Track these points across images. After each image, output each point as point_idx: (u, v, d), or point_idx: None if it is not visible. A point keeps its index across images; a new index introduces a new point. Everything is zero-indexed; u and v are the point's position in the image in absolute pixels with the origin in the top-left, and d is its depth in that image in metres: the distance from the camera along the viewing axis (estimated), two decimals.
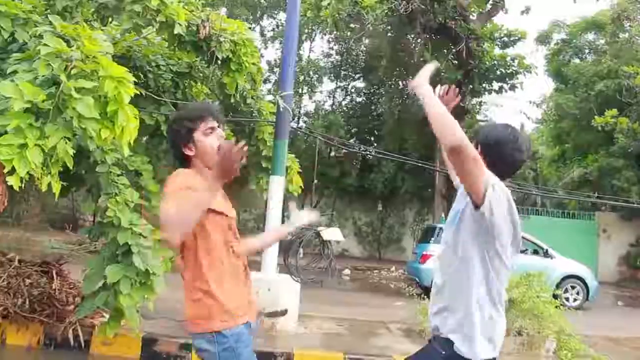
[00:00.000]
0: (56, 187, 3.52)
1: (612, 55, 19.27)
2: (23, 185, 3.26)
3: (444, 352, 2.27)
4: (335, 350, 5.50)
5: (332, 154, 22.50)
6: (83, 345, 5.17)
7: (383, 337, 6.36)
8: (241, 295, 2.38)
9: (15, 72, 3.61)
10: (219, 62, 6.12)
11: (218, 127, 2.41)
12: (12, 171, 3.21)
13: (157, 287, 4.59)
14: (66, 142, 3.43)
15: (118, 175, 4.78)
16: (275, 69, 21.19)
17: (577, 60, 22.35)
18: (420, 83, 2.43)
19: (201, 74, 7.01)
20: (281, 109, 6.61)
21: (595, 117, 17.04)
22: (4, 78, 3.68)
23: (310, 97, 23.26)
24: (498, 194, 2.23)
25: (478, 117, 21.35)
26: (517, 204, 2.72)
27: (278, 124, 6.63)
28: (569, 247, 14.93)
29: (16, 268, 5.58)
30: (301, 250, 13.17)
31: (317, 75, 22.97)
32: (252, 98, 7.13)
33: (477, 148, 2.36)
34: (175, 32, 5.23)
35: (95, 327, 5.24)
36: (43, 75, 3.45)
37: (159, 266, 4.63)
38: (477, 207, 2.22)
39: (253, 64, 6.58)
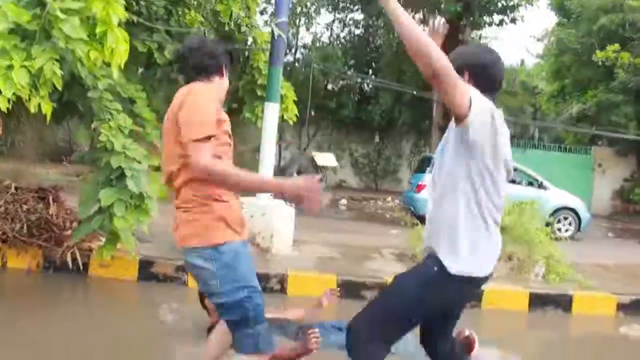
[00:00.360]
0: (46, 109, 3.51)
1: None
2: (10, 107, 3.26)
3: (435, 269, 2.32)
4: (329, 272, 5.65)
5: (330, 86, 22.31)
6: (81, 268, 5.28)
7: (376, 261, 6.51)
8: (238, 211, 2.44)
9: None
10: None
11: None
12: None
13: (151, 210, 4.66)
14: (53, 64, 3.40)
15: (110, 101, 4.75)
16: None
17: None
18: None
19: (195, 2, 6.90)
20: (276, 37, 6.51)
21: (597, 51, 16.79)
22: None
23: (308, 29, 22.78)
24: (482, 112, 2.22)
25: None
26: (514, 138, 2.77)
27: (273, 51, 6.55)
28: (565, 180, 15.05)
29: (13, 195, 5.64)
30: (295, 175, 13.32)
31: (314, 7, 22.46)
32: (246, 26, 7.05)
33: (462, 71, 2.35)
34: None
35: (92, 250, 5.34)
36: None
37: (153, 190, 4.69)
38: (460, 122, 2.23)
39: None
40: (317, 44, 22.18)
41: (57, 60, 3.42)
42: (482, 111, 2.22)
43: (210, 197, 2.31)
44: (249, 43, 7.48)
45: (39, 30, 3.34)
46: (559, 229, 11.75)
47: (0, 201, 5.50)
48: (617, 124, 18.05)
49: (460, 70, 2.27)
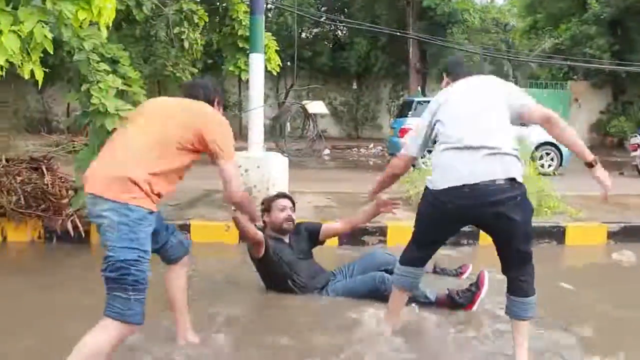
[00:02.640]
0: (39, 74, 3.41)
1: None
2: (4, 74, 3.17)
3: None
4: (328, 220, 5.68)
5: (304, 34, 22.00)
6: (83, 235, 5.27)
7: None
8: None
9: None
10: None
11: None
12: None
13: None
14: (43, 27, 3.29)
15: (98, 62, 4.64)
16: None
17: None
18: None
19: None
20: None
21: None
22: None
23: None
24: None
25: None
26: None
27: (253, 1, 6.40)
28: None
29: (5, 167, 5.54)
30: (288, 124, 13.19)
31: None
32: None
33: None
34: None
35: None
36: None
37: None
38: None
39: None
40: None
41: (45, 22, 3.31)
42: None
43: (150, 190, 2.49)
44: None
45: None
46: (542, 165, 11.91)
47: None
48: (591, 57, 18.17)
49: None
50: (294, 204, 4.08)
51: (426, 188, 2.89)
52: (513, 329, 2.88)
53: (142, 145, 2.54)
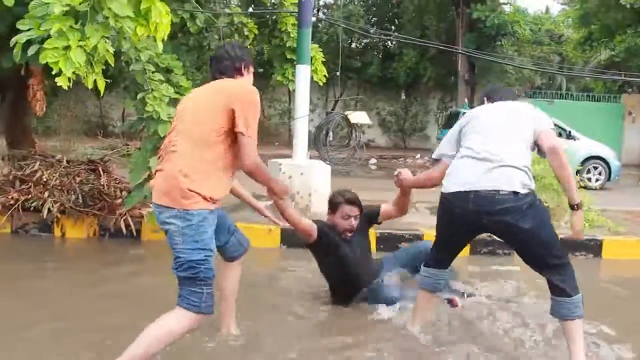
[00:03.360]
0: (101, 85, 3.75)
1: None
2: (70, 84, 3.51)
3: None
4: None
5: (353, 44, 22.26)
6: (135, 233, 5.62)
7: (411, 215, 6.67)
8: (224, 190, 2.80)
9: None
10: None
11: None
12: (59, 73, 3.46)
13: None
14: (105, 42, 3.63)
15: (153, 72, 4.99)
16: None
17: None
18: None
19: None
20: (304, 0, 6.64)
21: None
22: None
23: None
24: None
25: (501, 0, 20.71)
26: (542, 89, 3.29)
27: (301, 13, 6.68)
28: (595, 130, 14.93)
29: (66, 168, 5.97)
30: (331, 133, 13.46)
31: None
32: None
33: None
34: None
35: (144, 216, 5.65)
36: None
37: None
38: None
39: None
40: (339, 3, 22.06)
41: (107, 38, 3.64)
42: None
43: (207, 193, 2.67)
44: (276, 6, 7.63)
45: (89, 10, 3.56)
46: (589, 179, 11.80)
47: (55, 174, 5.83)
48: None
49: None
50: (361, 209, 3.92)
51: (441, 192, 3.11)
52: (564, 331, 2.97)
53: (186, 151, 2.69)
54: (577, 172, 10.01)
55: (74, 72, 3.47)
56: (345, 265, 3.80)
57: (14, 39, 3.65)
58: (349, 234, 3.85)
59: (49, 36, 3.52)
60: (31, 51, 3.58)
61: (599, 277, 5.49)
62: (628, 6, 16.52)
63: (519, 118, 3.12)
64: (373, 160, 16.94)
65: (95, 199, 5.80)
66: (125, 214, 5.64)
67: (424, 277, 3.32)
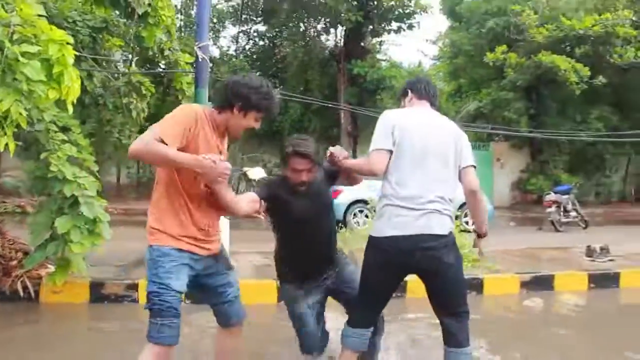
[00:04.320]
0: (12, 147, 3.78)
1: None
2: None
3: None
4: (267, 278, 6.08)
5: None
6: (33, 295, 5.46)
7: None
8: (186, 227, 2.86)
9: None
10: (138, 16, 6.32)
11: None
12: None
13: (104, 233, 4.95)
14: (18, 105, 3.68)
15: (56, 132, 5.01)
16: (177, 15, 20.85)
17: None
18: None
19: (117, 29, 7.14)
20: (200, 59, 6.88)
21: (487, 53, 18.15)
22: None
23: (215, 43, 23.10)
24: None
25: (379, 56, 22.11)
26: None
27: (198, 73, 6.88)
28: None
29: None
30: (231, 189, 13.52)
31: (219, 21, 22.80)
32: (169, 50, 7.37)
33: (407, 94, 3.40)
34: None
35: (42, 278, 5.52)
36: None
37: (104, 213, 4.98)
38: None
39: (169, 17, 6.82)
40: (225, 57, 22.51)
41: (20, 101, 3.69)
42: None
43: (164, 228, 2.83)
44: (171, 65, 7.80)
45: (1, 74, 3.61)
46: (467, 222, 12.70)
47: None
48: (510, 120, 19.50)
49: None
50: (313, 161, 3.30)
51: (372, 235, 3.14)
52: None
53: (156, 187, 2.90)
54: (457, 217, 10.80)
55: None
56: (297, 221, 3.36)
57: None
58: (302, 188, 3.32)
59: None
60: None
61: (483, 311, 6.04)
62: (491, 64, 18.19)
63: (447, 148, 3.16)
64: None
65: None
66: (22, 275, 5.49)
67: (351, 337, 3.25)
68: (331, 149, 3.39)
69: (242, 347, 3.30)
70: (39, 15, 4.05)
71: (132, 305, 5.58)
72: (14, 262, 5.63)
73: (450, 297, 3.16)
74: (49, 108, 4.98)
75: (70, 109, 4.11)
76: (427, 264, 3.07)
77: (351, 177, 3.59)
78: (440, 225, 3.07)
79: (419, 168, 3.08)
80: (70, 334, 4.75)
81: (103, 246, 5.24)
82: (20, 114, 3.68)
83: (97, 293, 5.63)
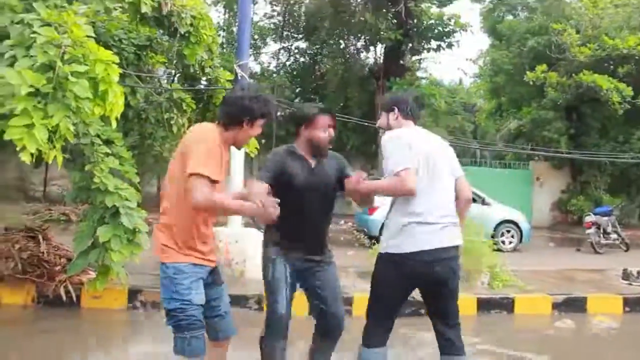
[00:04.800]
0: (59, 160, 4.04)
1: (542, 12, 20.27)
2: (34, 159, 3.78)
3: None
4: (299, 290, 6.21)
5: (279, 113, 22.95)
6: (75, 300, 5.73)
7: (342, 279, 7.10)
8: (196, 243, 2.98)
9: (12, 57, 4.05)
10: (180, 35, 6.60)
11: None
12: (23, 148, 3.72)
13: (143, 243, 5.18)
14: (66, 120, 3.93)
15: (100, 145, 5.28)
16: (220, 32, 21.35)
17: (510, 17, 23.37)
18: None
19: (160, 46, 7.45)
20: (239, 77, 7.14)
21: (527, 72, 18.00)
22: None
23: (255, 59, 23.50)
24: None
25: (418, 73, 22.16)
26: (458, 157, 3.51)
27: None
28: (507, 195, 15.94)
29: (4, 235, 6.04)
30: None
31: (260, 37, 23.22)
32: (209, 67, 7.64)
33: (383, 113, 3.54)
34: (143, 11, 5.66)
35: (83, 284, 5.78)
36: (40, 62, 3.92)
37: (143, 224, 5.22)
38: None
39: (210, 36, 7.07)
40: (265, 74, 22.86)
41: (68, 116, 3.95)
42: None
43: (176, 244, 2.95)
44: (211, 82, 8.08)
45: (52, 91, 3.87)
46: (503, 242, 12.62)
47: None
48: (550, 139, 19.29)
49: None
50: (335, 122, 3.51)
51: (388, 252, 3.23)
52: None
53: (164, 203, 3.01)
54: (492, 236, 10.79)
55: (37, 149, 3.73)
56: (300, 190, 3.38)
57: None
58: (327, 150, 3.47)
59: (12, 115, 3.80)
60: None
61: (513, 331, 6.06)
62: (531, 82, 18.06)
63: (448, 162, 3.36)
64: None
65: (34, 266, 5.88)
66: (65, 280, 5.75)
67: (369, 357, 3.29)
68: (352, 179, 3.41)
69: None
70: (88, 36, 4.32)
71: None
72: (58, 268, 5.91)
73: (453, 307, 3.35)
74: (94, 122, 5.23)
75: (114, 124, 4.35)
76: (444, 275, 3.23)
77: (369, 199, 3.70)
78: (457, 237, 3.28)
79: (434, 183, 3.23)
80: (108, 338, 4.99)
81: (141, 255, 5.48)
82: (68, 128, 3.92)
83: (135, 300, 5.87)
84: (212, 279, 3.12)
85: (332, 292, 3.57)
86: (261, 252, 3.60)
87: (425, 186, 3.20)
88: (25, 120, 3.74)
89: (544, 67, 17.87)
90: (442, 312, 3.36)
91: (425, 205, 3.19)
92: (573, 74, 17.67)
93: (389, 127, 3.47)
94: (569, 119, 20.09)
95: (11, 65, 4.04)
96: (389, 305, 3.35)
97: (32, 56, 3.95)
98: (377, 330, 3.32)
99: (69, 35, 4.12)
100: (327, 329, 3.58)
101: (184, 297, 2.86)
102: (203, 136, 2.90)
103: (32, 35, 4.03)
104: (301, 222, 3.42)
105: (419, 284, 3.32)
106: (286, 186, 3.33)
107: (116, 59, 4.25)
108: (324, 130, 3.40)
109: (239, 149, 3.23)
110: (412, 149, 3.21)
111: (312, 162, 3.47)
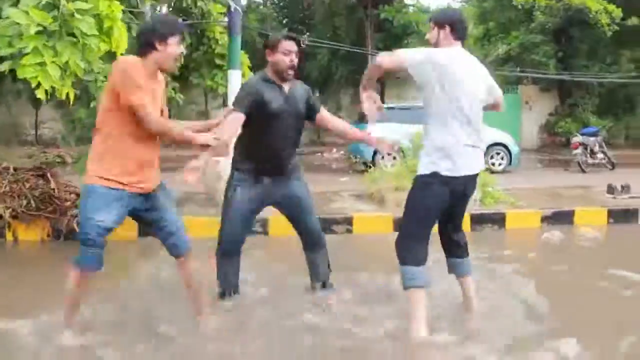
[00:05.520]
0: (72, 96, 4.20)
1: None
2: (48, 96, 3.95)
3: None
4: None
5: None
6: None
7: (338, 202, 7.46)
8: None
9: None
10: None
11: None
12: (37, 86, 3.89)
13: None
14: (75, 57, 4.07)
15: (102, 82, 5.40)
16: None
17: None
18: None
19: None
20: (232, 9, 7.18)
21: None
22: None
23: None
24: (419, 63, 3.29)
25: (406, 0, 21.90)
26: None
27: (231, 22, 7.21)
28: (496, 118, 16.09)
29: (13, 175, 6.23)
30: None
31: None
32: (201, 0, 7.67)
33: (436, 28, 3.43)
34: None
35: None
36: (45, 1, 4.03)
37: None
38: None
39: None
40: (252, 6, 22.56)
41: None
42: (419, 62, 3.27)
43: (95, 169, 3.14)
44: (204, 15, 8.12)
45: (58, 29, 3.99)
46: (493, 164, 12.94)
47: (4, 181, 6.09)
48: (539, 63, 19.36)
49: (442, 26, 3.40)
50: (300, 49, 3.73)
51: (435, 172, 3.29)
52: (466, 285, 3.67)
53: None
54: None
55: (51, 86, 3.89)
56: (271, 115, 3.60)
57: None
58: (291, 74, 3.67)
59: (24, 54, 3.94)
60: (2, 67, 3.98)
61: (504, 245, 6.41)
62: (520, 6, 17.96)
63: (483, 90, 3.46)
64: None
65: (46, 203, 6.11)
66: (77, 215, 5.99)
67: (420, 276, 3.32)
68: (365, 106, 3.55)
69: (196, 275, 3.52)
70: None
71: None
72: (68, 203, 6.14)
73: (462, 215, 3.66)
74: (96, 60, 5.34)
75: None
76: (471, 190, 3.53)
77: (340, 134, 4.13)
78: (482, 158, 3.51)
79: (471, 111, 3.34)
80: (122, 266, 5.26)
81: None
82: (78, 65, 4.07)
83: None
84: (151, 204, 3.30)
85: (305, 202, 3.96)
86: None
87: (466, 113, 3.32)
88: (37, 58, 3.89)
89: None
90: (455, 217, 3.61)
91: (465, 130, 3.32)
92: None
93: (436, 44, 3.45)
94: (558, 42, 20.12)
95: (14, 5, 4.15)
96: (431, 222, 3.44)
97: None
98: (421, 247, 3.34)
99: None
100: (309, 236, 4.03)
101: (87, 215, 3.09)
102: (124, 66, 3.03)
103: None
104: (273, 145, 3.66)
105: (452, 198, 3.44)
106: (261, 111, 3.54)
107: None
108: (285, 54, 3.59)
109: (168, 72, 3.33)
110: (448, 75, 3.25)
111: (285, 88, 3.69)
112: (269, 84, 3.65)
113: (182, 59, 3.53)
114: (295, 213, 3.96)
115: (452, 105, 3.28)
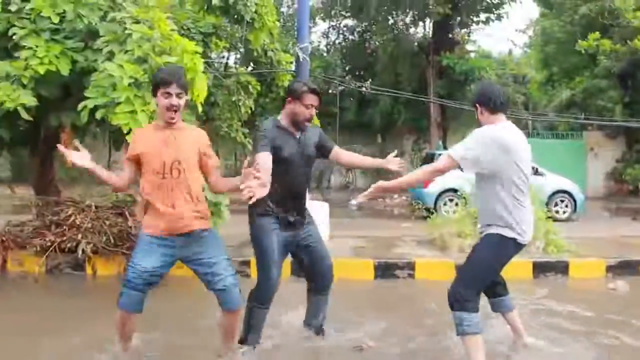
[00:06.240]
0: None
1: None
2: None
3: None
4: (365, 257, 6.73)
5: (330, 90, 23.35)
6: None
7: (401, 247, 7.58)
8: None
9: (109, 52, 4.60)
10: (245, 21, 7.08)
11: (180, 94, 3.29)
12: (129, 132, 4.27)
13: (225, 215, 5.71)
14: None
15: None
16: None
17: None
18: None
19: (225, 33, 7.95)
20: (301, 59, 7.56)
21: (579, 40, 17.72)
22: (95, 55, 4.70)
23: None
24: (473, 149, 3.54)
25: (468, 47, 22.13)
26: None
27: (299, 72, 7.59)
28: (561, 166, 15.90)
29: (95, 212, 6.69)
30: (332, 177, 14.62)
31: (310, 17, 23.50)
32: (271, 51, 8.11)
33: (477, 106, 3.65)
34: (213, 2, 6.15)
35: None
36: (137, 55, 4.45)
37: (225, 198, 5.76)
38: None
39: (272, 21, 7.53)
40: (316, 53, 23.21)
41: None
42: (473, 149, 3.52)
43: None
44: (273, 65, 8.56)
45: (147, 81, 4.39)
46: (557, 212, 12.74)
47: (87, 219, 6.55)
48: (604, 108, 19.03)
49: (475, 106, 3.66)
50: (320, 103, 3.91)
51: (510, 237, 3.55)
52: (511, 319, 3.95)
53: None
54: (546, 205, 10.97)
55: None
56: (285, 160, 3.74)
57: (81, 104, 4.47)
58: (306, 126, 3.84)
59: (113, 102, 4.35)
60: (99, 115, 4.40)
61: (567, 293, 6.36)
62: (583, 51, 17.82)
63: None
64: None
65: (124, 240, 6.52)
66: None
67: (475, 322, 3.48)
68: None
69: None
70: (172, 30, 4.83)
71: (244, 279, 6.28)
72: None
73: None
74: None
75: (200, 108, 4.86)
76: None
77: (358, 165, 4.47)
78: None
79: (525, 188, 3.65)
80: (194, 302, 5.52)
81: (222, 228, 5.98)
82: None
83: None
84: (203, 254, 3.53)
85: (322, 245, 4.16)
86: (249, 222, 3.93)
87: (527, 182, 3.62)
88: (129, 107, 4.28)
89: (597, 34, 17.55)
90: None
91: (527, 197, 3.64)
92: (627, 40, 17.35)
93: (480, 123, 3.66)
94: (623, 87, 19.77)
95: (108, 59, 4.60)
96: (492, 277, 3.74)
97: (127, 51, 4.49)
98: (476, 297, 3.54)
99: (158, 30, 4.64)
100: (323, 279, 4.16)
101: (132, 259, 3.46)
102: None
103: (126, 32, 4.56)
104: (288, 188, 3.80)
105: None
106: (275, 157, 3.67)
107: (199, 49, 4.75)
108: (307, 108, 3.76)
109: (166, 121, 3.36)
110: (509, 153, 3.50)
111: (297, 134, 3.84)
112: (282, 131, 3.79)
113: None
114: (314, 256, 4.09)
115: (521, 176, 3.58)
